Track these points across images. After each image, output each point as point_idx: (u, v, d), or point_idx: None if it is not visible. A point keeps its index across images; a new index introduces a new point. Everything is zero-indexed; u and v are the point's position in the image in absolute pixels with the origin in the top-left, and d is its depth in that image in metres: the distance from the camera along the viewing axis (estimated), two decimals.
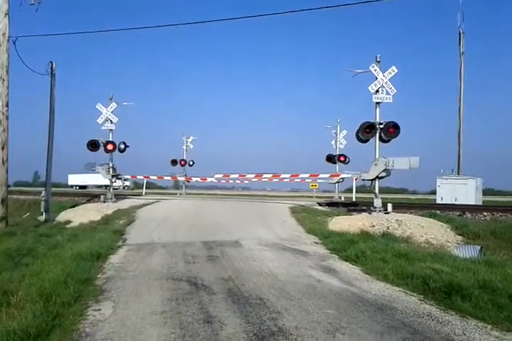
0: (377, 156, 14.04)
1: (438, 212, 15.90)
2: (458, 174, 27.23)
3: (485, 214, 15.79)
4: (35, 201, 19.93)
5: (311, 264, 7.94)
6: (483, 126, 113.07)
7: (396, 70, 13.82)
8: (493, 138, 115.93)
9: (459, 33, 29.42)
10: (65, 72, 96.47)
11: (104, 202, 19.08)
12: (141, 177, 25.39)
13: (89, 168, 19.91)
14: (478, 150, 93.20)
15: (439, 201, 25.10)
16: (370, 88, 13.87)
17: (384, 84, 13.78)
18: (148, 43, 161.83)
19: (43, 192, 16.24)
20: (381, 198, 14.43)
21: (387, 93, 13.88)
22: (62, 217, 16.27)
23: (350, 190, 30.74)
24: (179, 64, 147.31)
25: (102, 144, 18.78)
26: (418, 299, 5.75)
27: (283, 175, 21.00)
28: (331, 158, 26.63)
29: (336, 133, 27.01)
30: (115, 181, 20.62)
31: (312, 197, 31.20)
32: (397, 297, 5.83)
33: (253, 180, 22.75)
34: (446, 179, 25.79)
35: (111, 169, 19.33)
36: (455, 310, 5.24)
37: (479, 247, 10.25)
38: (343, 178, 21.68)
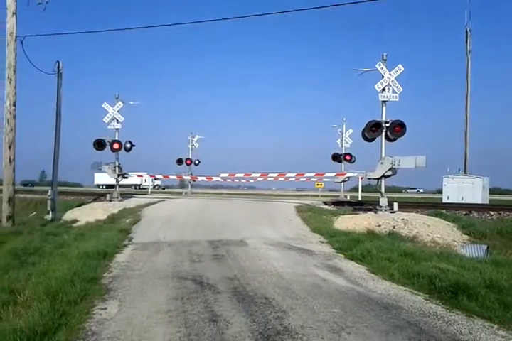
0: (383, 155, 13.98)
1: (444, 211, 15.81)
2: (465, 173, 27.09)
3: (492, 213, 15.71)
4: (41, 200, 20.07)
5: (317, 263, 7.92)
6: (490, 125, 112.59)
7: (402, 69, 13.76)
8: (500, 136, 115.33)
9: (466, 31, 29.27)
10: (71, 70, 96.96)
11: (110, 201, 19.20)
12: (148, 176, 25.49)
13: (96, 167, 20.05)
14: (485, 149, 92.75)
15: (445, 200, 24.98)
16: (376, 86, 13.80)
17: (390, 83, 13.71)
18: (154, 43, 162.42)
19: (50, 191, 16.33)
20: (387, 197, 14.38)
21: (394, 91, 13.81)
22: (69, 215, 16.39)
23: (355, 189, 30.75)
24: (184, 63, 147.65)
25: (108, 143, 18.86)
26: (424, 298, 5.72)
27: (288, 174, 20.97)
28: (336, 157, 26.57)
29: (341, 132, 26.92)
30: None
31: (318, 196, 31.16)
32: (402, 296, 5.80)
33: (259, 179, 22.77)
34: (453, 178, 25.65)
35: (117, 168, 19.42)
36: (461, 309, 5.21)
37: (486, 246, 10.19)
38: (348, 177, 21.70)
